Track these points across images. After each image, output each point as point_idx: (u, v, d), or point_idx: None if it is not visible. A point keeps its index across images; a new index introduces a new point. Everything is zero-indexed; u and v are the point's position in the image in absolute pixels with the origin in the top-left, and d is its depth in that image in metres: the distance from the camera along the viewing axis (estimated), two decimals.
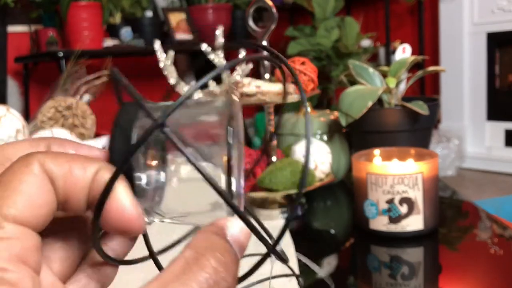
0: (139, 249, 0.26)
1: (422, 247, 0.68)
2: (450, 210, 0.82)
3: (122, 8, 2.79)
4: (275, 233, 0.24)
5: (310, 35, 2.91)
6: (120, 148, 0.22)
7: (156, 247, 0.27)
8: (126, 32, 2.83)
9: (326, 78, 2.88)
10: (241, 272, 0.21)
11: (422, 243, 0.67)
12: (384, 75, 0.87)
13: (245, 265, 0.21)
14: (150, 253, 0.26)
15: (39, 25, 2.82)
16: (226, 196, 0.20)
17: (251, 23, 0.82)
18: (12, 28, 2.79)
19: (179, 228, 0.27)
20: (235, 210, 0.20)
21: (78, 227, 0.23)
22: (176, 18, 3.02)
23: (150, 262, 0.26)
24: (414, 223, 0.66)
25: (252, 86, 0.76)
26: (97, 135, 1.01)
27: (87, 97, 1.09)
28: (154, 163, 0.23)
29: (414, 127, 0.83)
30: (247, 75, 0.88)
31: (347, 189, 0.95)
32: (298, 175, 0.75)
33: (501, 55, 2.92)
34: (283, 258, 0.23)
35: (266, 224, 0.28)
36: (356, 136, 0.90)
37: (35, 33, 2.78)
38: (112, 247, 0.23)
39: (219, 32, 0.89)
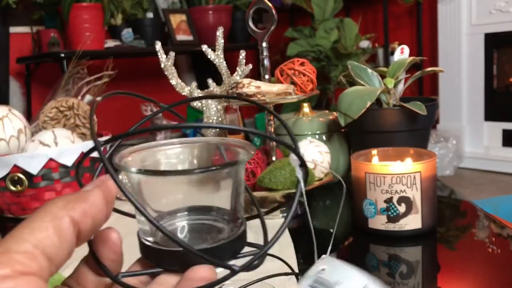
0: None
1: (420, 246, 0.68)
2: (448, 209, 0.83)
3: (123, 9, 2.80)
4: (274, 231, 0.26)
5: (309, 36, 2.92)
6: None
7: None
8: (127, 33, 2.84)
9: (325, 78, 2.89)
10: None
11: (421, 242, 0.68)
12: (383, 75, 0.87)
13: None
14: None
15: (40, 26, 2.83)
16: None
17: (251, 24, 0.83)
18: (14, 29, 2.80)
19: None
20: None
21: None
22: (176, 19, 3.03)
23: None
24: (413, 222, 0.67)
25: (251, 86, 0.77)
26: (98, 135, 1.02)
27: (88, 98, 1.10)
28: None
29: (412, 127, 0.83)
30: (247, 76, 0.89)
31: (346, 189, 0.96)
32: None
33: (499, 55, 2.93)
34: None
35: (265, 223, 0.30)
36: (355, 136, 0.90)
37: (36, 34, 2.79)
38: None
39: (219, 33, 0.89)
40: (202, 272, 0.26)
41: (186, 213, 0.29)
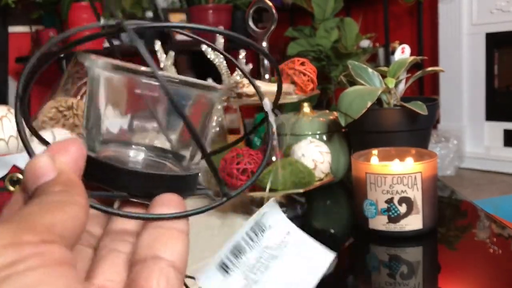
0: None
1: (421, 246, 0.68)
2: (449, 209, 0.83)
3: (122, 8, 2.79)
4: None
5: (309, 36, 2.91)
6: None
7: None
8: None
9: (326, 78, 2.88)
10: None
11: (421, 242, 0.68)
12: (383, 75, 0.87)
13: None
14: None
15: (40, 26, 2.83)
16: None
17: (251, 23, 0.82)
18: (13, 29, 2.80)
19: None
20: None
21: None
22: (176, 19, 3.02)
23: None
24: (413, 222, 0.66)
25: (251, 86, 0.76)
26: None
27: None
28: None
29: (413, 127, 0.83)
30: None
31: (347, 189, 0.95)
32: (298, 174, 0.75)
33: (500, 55, 2.93)
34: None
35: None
36: (356, 136, 0.90)
37: (36, 34, 2.79)
38: None
39: None
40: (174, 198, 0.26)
41: (144, 148, 0.29)
